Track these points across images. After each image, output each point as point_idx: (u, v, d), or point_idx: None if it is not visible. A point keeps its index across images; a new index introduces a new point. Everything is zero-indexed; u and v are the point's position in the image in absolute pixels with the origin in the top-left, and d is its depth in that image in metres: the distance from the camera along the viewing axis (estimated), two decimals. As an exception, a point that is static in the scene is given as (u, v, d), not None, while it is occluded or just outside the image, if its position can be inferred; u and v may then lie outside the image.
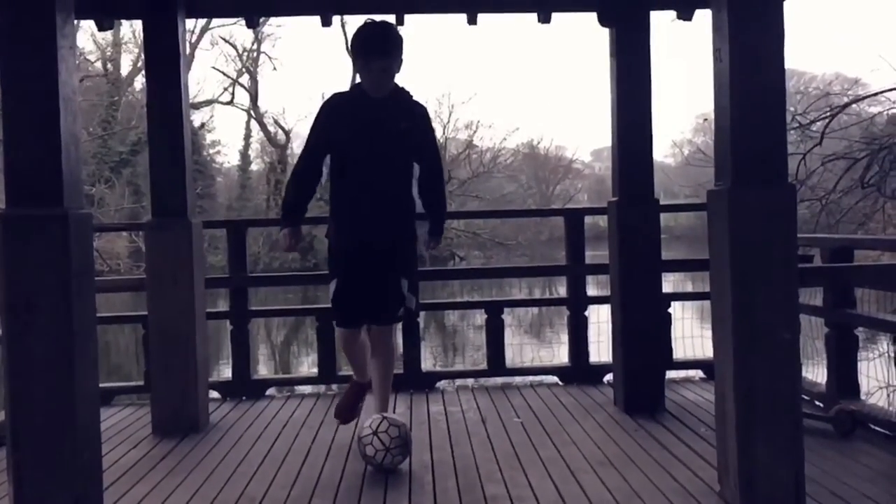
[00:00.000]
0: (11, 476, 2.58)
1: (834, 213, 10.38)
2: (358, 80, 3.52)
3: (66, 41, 2.63)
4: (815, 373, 4.41)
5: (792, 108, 10.20)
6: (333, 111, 3.51)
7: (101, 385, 2.94)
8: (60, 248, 2.57)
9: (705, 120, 18.94)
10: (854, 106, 11.87)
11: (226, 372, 5.43)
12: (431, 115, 3.74)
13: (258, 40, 28.03)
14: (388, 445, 3.27)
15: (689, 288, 6.94)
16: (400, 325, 4.78)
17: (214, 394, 4.75)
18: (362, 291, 3.48)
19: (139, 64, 24.91)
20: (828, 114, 10.37)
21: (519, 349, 6.25)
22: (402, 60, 3.42)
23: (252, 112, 28.51)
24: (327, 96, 3.66)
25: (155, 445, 3.84)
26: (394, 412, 4.23)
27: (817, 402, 4.18)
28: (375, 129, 3.43)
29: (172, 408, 4.04)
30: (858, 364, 4.17)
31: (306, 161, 3.59)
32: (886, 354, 4.30)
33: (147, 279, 4.17)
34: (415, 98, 3.54)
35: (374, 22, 3.43)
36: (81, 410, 2.61)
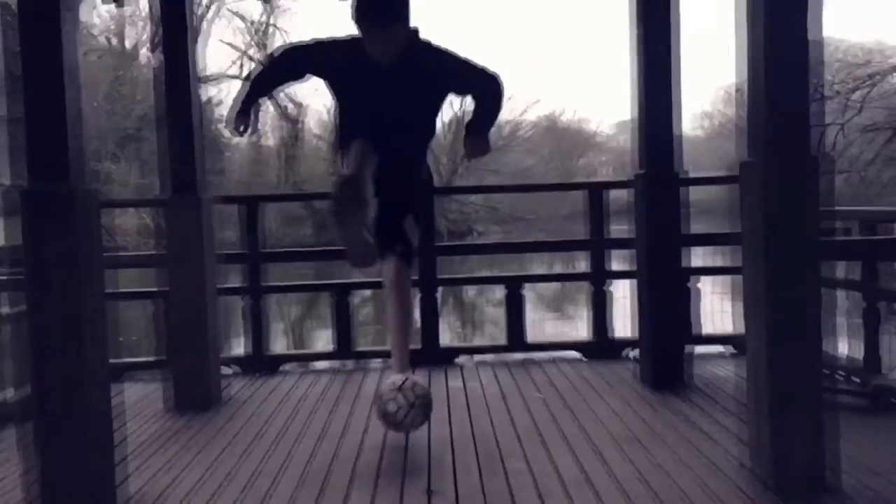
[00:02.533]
0: (38, 450, 2.59)
1: (874, 185, 10.22)
2: None
3: (70, 14, 2.59)
4: (853, 348, 4.31)
5: (830, 77, 9.98)
6: (348, 53, 3.26)
7: (115, 361, 2.91)
8: (68, 225, 2.55)
9: (737, 91, 18.66)
10: (894, 75, 11.63)
11: (240, 348, 5.41)
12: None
13: (268, 13, 27.89)
14: (412, 402, 3.13)
15: (718, 262, 6.83)
16: (418, 300, 4.73)
17: (229, 369, 4.73)
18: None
19: (144, 38, 24.89)
20: (868, 83, 10.16)
21: (540, 325, 6.18)
22: (408, 20, 3.18)
23: (263, 86, 28.39)
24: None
25: (171, 421, 3.83)
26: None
27: (854, 378, 4.08)
28: (383, 90, 3.23)
29: (187, 383, 4.02)
30: (880, 338, 4.06)
31: (300, 51, 3.42)
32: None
33: (159, 255, 4.15)
34: (420, 42, 3.27)
35: None
36: (94, 386, 2.61)
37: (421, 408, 3.18)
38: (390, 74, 3.22)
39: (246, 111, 3.45)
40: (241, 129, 3.47)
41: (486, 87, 3.42)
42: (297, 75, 3.49)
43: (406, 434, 3.32)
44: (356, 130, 3.36)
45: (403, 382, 3.19)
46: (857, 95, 9.85)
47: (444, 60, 3.31)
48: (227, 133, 30.30)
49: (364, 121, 3.33)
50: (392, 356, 3.48)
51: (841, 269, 3.39)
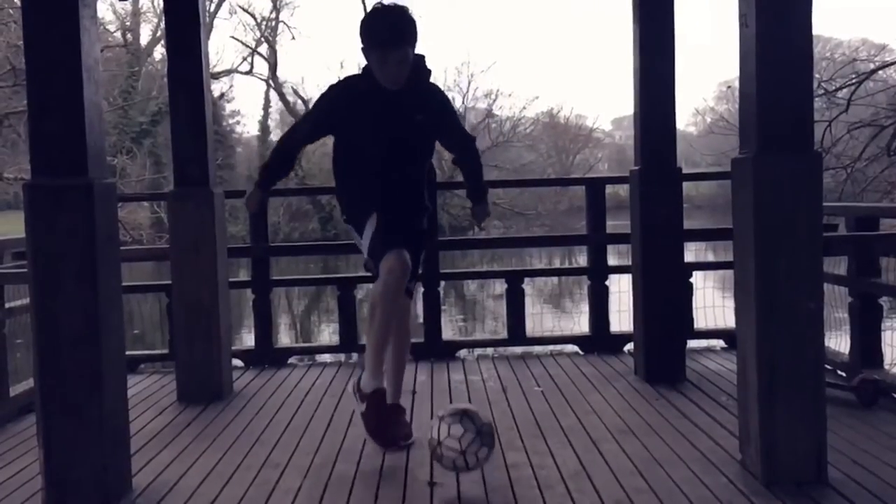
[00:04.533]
0: (41, 442, 2.65)
1: (859, 182, 10.28)
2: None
3: (88, 10, 2.65)
4: (839, 342, 4.38)
5: (817, 75, 10.05)
6: (348, 99, 3.21)
7: (126, 353, 2.97)
8: (85, 218, 2.61)
9: (729, 87, 18.70)
10: (881, 72, 11.69)
11: (248, 340, 5.50)
12: (451, 84, 3.63)
13: (276, 9, 27.96)
14: (462, 448, 2.72)
15: (711, 257, 6.91)
16: (420, 293, 4.82)
17: (237, 362, 4.81)
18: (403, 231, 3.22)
19: (158, 34, 24.95)
20: (854, 80, 10.22)
21: (539, 318, 6.25)
22: (416, 44, 3.14)
23: (271, 82, 28.52)
24: (344, 73, 3.44)
25: (180, 412, 3.90)
26: (414, 381, 4.26)
27: (840, 372, 4.16)
28: (396, 124, 3.19)
29: (197, 376, 4.09)
30: (882, 333, 4.15)
31: (302, 138, 3.41)
32: (911, 324, 4.28)
33: (170, 249, 4.21)
34: (431, 80, 3.29)
35: (384, 7, 3.09)
36: (108, 378, 2.67)
37: (475, 444, 2.74)
38: (397, 99, 3.17)
39: (266, 187, 3.42)
40: (258, 207, 3.51)
41: (465, 145, 3.46)
42: (317, 138, 3.48)
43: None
44: (365, 165, 3.26)
45: (438, 429, 2.76)
46: (843, 93, 9.90)
47: (443, 102, 3.35)
48: (237, 130, 30.44)
49: (374, 150, 3.23)
50: (386, 380, 3.31)
51: (826, 264, 3.44)
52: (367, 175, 3.27)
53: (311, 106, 3.38)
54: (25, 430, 3.61)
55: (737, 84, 2.86)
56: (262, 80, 28.75)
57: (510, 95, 41.96)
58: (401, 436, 3.25)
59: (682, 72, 4.19)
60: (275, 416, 3.78)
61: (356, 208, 3.31)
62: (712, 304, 5.29)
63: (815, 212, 2.71)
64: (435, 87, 3.33)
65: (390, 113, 3.18)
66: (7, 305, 3.99)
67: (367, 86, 3.19)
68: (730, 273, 3.04)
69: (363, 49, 3.13)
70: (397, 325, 3.30)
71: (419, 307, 4.74)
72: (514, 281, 5.14)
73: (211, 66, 4.06)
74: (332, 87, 3.27)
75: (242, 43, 28.35)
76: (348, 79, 3.32)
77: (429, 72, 3.28)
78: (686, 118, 37.48)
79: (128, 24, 25.68)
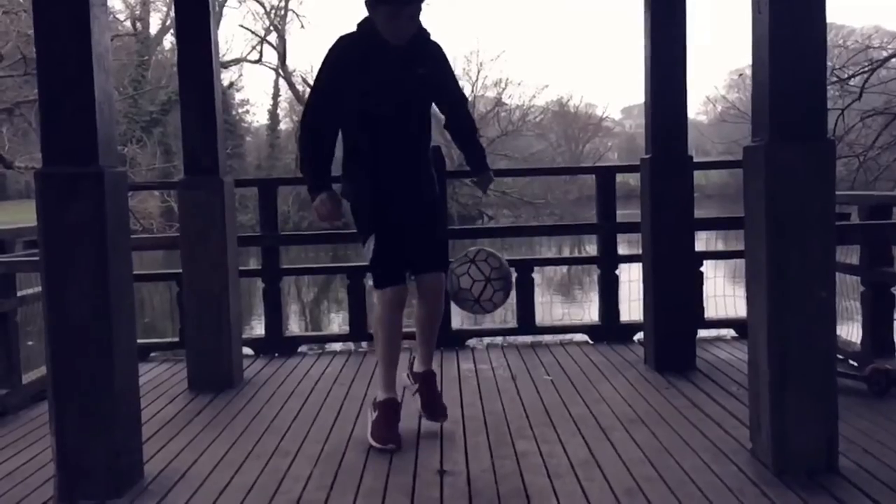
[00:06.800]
0: (53, 429, 2.66)
1: (872, 170, 10.22)
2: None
3: (98, -1, 2.64)
4: (850, 332, 4.37)
5: (830, 63, 9.99)
6: (350, 58, 3.09)
7: (137, 341, 2.98)
8: (97, 207, 2.62)
9: (740, 75, 18.59)
10: (894, 60, 11.59)
11: (258, 329, 5.51)
12: (460, 73, 3.58)
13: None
14: (489, 276, 2.94)
15: (721, 246, 6.88)
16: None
17: (248, 350, 4.82)
18: (405, 243, 3.18)
19: (168, 23, 24.97)
20: (867, 68, 10.15)
21: (548, 307, 6.25)
22: None
23: (280, 71, 28.49)
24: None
25: (191, 400, 3.92)
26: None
27: (852, 361, 4.15)
28: (400, 80, 3.12)
29: (207, 364, 4.11)
30: (894, 323, 4.13)
31: (322, 111, 3.13)
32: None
33: (180, 237, 4.22)
34: (430, 35, 3.23)
35: None
36: (120, 365, 2.68)
37: (500, 280, 2.99)
38: (401, 54, 3.11)
39: (324, 185, 3.11)
40: (335, 210, 3.13)
41: (460, 102, 3.42)
42: (335, 122, 3.18)
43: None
44: (372, 144, 3.17)
45: (477, 254, 3.00)
46: (856, 81, 9.84)
47: (443, 56, 3.31)
48: (246, 119, 30.36)
49: (375, 119, 3.15)
50: (419, 345, 3.44)
51: (838, 253, 3.44)
52: (378, 153, 3.16)
53: (316, 76, 3.22)
54: (38, 418, 3.63)
55: (748, 72, 2.84)
56: (271, 68, 28.76)
57: (520, 84, 41.98)
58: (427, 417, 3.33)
59: (693, 59, 4.17)
60: (285, 405, 3.79)
61: (361, 213, 3.23)
62: (723, 293, 5.28)
63: (828, 200, 2.69)
64: (436, 43, 3.27)
65: (395, 68, 3.11)
66: (19, 294, 4.02)
67: (370, 42, 3.09)
68: (741, 262, 3.02)
69: (368, 3, 3.07)
70: (431, 298, 3.29)
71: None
72: (524, 270, 5.12)
73: (220, 55, 4.04)
74: (334, 48, 3.13)
75: (251, 31, 28.36)
76: (348, 37, 3.14)
77: (429, 37, 3.25)
78: (697, 106, 37.42)
79: (137, 12, 25.70)
